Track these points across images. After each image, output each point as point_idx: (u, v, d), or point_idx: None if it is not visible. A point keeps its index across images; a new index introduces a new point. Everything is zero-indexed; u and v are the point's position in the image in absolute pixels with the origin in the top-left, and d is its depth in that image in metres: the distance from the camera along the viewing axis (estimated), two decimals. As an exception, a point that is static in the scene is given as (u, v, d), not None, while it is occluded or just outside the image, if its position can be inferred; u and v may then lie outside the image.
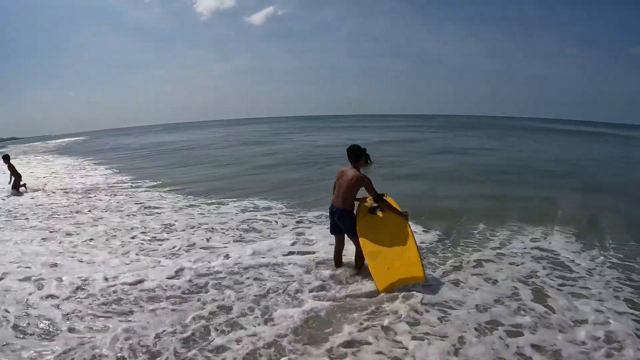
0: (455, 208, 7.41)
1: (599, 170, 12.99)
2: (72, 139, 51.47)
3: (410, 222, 4.25)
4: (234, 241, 5.82)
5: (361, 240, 4.07)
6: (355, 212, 4.24)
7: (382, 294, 3.75)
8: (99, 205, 8.52)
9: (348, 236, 4.23)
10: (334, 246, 4.53)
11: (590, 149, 21.99)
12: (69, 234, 6.37)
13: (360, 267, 4.31)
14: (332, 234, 4.41)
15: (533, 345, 3.07)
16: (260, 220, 6.96)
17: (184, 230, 6.41)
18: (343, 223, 4.15)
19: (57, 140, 49.88)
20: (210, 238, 6.00)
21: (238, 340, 3.15)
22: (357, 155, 4.11)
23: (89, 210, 8.07)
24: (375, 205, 4.19)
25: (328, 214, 4.34)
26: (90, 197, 9.66)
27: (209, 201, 8.64)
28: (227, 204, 8.28)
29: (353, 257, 4.38)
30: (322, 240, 5.57)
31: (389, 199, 4.25)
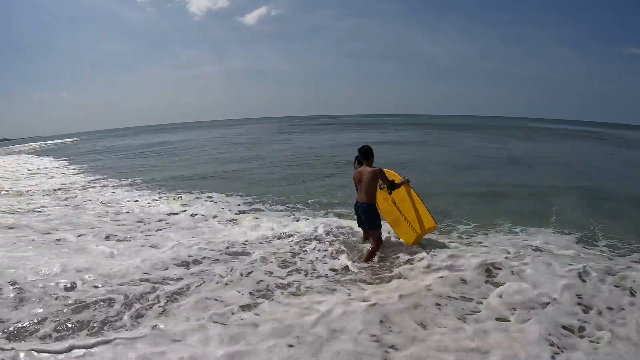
0: (448, 205, 7.30)
1: (600, 171, 12.79)
2: (64, 140, 50.95)
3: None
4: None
5: (383, 211, 4.96)
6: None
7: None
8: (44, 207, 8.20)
9: (369, 230, 4.72)
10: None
11: (589, 149, 21.74)
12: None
13: (368, 261, 4.57)
14: (359, 227, 5.01)
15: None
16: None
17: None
18: (367, 217, 4.64)
19: (49, 142, 49.33)
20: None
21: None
22: (369, 154, 4.77)
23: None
24: (384, 186, 4.92)
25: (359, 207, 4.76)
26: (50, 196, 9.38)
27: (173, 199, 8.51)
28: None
29: (372, 247, 4.72)
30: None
31: (390, 173, 4.99)
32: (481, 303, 3.50)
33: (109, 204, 8.24)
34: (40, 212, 7.71)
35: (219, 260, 4.73)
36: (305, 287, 3.95)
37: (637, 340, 2.90)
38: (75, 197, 9.29)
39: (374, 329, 3.11)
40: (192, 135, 41.86)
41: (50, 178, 13.22)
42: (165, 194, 9.14)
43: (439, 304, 3.49)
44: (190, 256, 4.82)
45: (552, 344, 2.89)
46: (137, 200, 8.47)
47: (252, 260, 4.66)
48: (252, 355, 2.79)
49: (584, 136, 33.44)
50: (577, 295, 3.54)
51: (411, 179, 4.90)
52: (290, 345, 2.91)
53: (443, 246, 4.89)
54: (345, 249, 4.93)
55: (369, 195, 4.60)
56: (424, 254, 4.52)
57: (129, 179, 11.72)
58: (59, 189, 10.57)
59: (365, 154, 4.76)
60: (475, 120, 75.33)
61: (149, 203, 8.18)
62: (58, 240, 5.77)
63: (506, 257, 4.34)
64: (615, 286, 3.66)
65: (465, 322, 3.19)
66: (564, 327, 3.10)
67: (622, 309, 3.30)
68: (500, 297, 3.54)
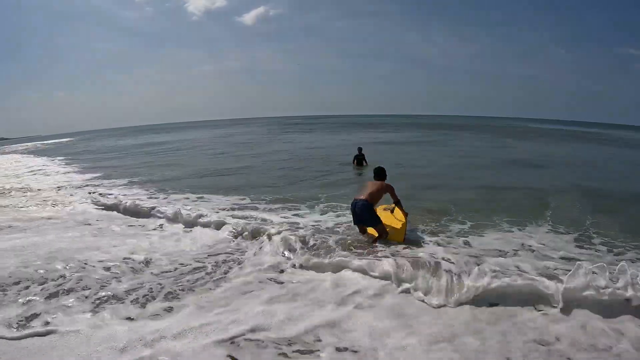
0: (446, 203, 7.38)
1: (599, 171, 12.94)
2: (61, 139, 50.74)
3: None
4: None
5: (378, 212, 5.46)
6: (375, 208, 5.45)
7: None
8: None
9: (372, 226, 5.16)
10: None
11: (587, 149, 21.80)
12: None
13: (372, 242, 5.09)
14: (355, 224, 5.42)
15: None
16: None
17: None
18: (367, 214, 5.08)
19: (47, 141, 49.08)
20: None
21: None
22: (383, 173, 5.66)
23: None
24: (389, 209, 5.66)
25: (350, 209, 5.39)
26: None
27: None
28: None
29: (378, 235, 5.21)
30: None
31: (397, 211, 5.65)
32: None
33: (123, 202, 8.29)
34: (66, 205, 8.16)
35: (242, 243, 5.47)
36: (315, 262, 4.59)
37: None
38: (90, 193, 9.53)
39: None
40: (191, 135, 41.73)
41: (48, 175, 13.49)
42: (172, 192, 9.34)
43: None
44: (229, 239, 5.65)
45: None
46: (155, 198, 8.71)
47: (266, 243, 5.27)
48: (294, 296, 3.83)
49: (580, 136, 33.61)
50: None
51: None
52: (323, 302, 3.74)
53: (436, 244, 5.11)
54: (343, 237, 5.31)
55: (372, 196, 5.19)
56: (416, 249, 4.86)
57: (136, 178, 11.91)
58: (69, 186, 10.90)
59: (380, 173, 5.65)
60: (471, 121, 75.53)
61: (162, 200, 8.46)
62: (101, 228, 6.32)
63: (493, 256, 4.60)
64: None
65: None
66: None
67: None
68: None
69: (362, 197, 5.14)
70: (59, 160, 20.25)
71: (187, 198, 8.50)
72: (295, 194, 8.54)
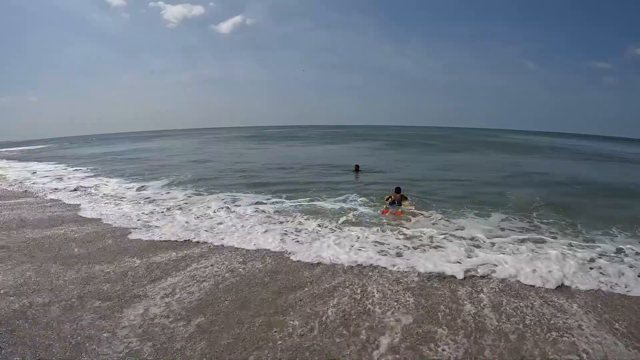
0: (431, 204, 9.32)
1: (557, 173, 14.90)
2: (28, 147, 46.84)
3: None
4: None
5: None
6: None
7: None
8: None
9: (398, 208, 8.64)
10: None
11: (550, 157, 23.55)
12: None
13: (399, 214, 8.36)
14: (389, 206, 8.78)
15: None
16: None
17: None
18: (398, 204, 8.75)
19: (9, 149, 45.08)
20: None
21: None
22: (400, 189, 9.20)
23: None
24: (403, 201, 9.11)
25: (392, 203, 8.89)
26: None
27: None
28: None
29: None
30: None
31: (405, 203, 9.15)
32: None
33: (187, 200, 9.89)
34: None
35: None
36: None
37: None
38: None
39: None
40: (168, 143, 40.45)
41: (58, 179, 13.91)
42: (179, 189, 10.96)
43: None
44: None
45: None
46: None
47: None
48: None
49: (551, 146, 35.43)
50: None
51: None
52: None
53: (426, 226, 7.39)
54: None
55: (401, 199, 8.92)
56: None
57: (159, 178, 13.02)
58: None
59: (399, 189, 9.23)
60: (445, 131, 77.98)
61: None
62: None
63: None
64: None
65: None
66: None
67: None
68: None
69: (396, 199, 8.91)
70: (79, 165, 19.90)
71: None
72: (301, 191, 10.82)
